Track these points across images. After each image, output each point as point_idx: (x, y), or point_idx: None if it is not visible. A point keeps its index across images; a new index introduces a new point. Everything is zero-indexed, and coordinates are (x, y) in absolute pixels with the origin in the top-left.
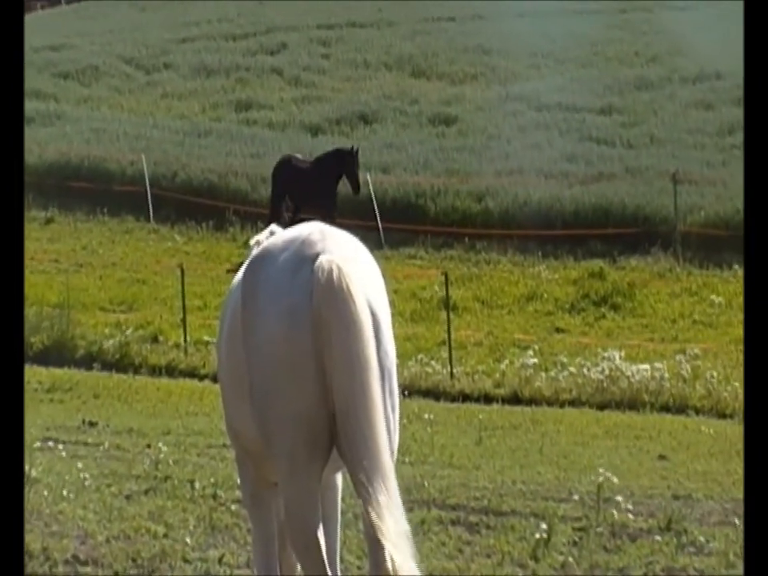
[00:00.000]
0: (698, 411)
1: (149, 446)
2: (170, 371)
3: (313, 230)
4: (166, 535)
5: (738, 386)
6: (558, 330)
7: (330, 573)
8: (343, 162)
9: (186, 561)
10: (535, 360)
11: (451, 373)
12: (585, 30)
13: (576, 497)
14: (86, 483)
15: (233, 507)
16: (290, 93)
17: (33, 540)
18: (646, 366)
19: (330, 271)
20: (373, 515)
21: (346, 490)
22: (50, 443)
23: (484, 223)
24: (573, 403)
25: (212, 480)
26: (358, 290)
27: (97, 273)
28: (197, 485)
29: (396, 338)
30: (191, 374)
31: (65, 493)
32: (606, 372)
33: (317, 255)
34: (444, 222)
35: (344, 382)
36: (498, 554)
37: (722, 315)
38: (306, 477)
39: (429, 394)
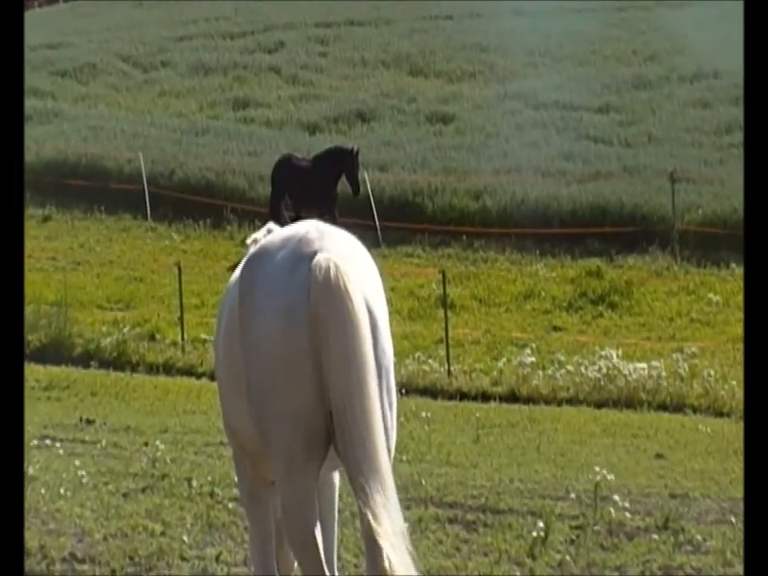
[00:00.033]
0: (695, 410)
1: (146, 444)
2: (168, 369)
3: (310, 228)
4: (163, 533)
5: (736, 384)
6: (556, 329)
7: (327, 571)
8: (343, 162)
9: (183, 559)
10: (532, 358)
11: (448, 371)
12: (582, 29)
13: (573, 495)
14: (84, 481)
15: (230, 505)
16: (288, 91)
17: (30, 538)
18: (644, 365)
19: (328, 269)
20: (370, 514)
21: (343, 488)
22: (48, 441)
23: (481, 221)
24: (570, 401)
25: (209, 478)
26: (355, 288)
27: (94, 271)
28: (194, 483)
29: (393, 336)
30: (188, 372)
31: (62, 491)
32: (604, 370)
33: (314, 253)
34: (441, 220)
35: (341, 380)
36: (495, 552)
37: (719, 314)
38: (303, 475)
39: (426, 392)
